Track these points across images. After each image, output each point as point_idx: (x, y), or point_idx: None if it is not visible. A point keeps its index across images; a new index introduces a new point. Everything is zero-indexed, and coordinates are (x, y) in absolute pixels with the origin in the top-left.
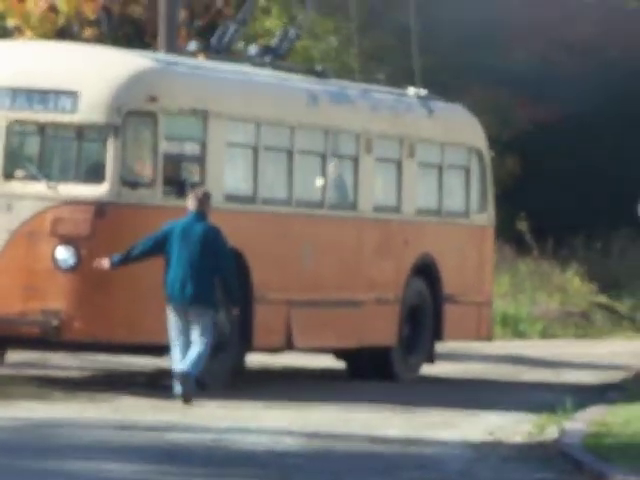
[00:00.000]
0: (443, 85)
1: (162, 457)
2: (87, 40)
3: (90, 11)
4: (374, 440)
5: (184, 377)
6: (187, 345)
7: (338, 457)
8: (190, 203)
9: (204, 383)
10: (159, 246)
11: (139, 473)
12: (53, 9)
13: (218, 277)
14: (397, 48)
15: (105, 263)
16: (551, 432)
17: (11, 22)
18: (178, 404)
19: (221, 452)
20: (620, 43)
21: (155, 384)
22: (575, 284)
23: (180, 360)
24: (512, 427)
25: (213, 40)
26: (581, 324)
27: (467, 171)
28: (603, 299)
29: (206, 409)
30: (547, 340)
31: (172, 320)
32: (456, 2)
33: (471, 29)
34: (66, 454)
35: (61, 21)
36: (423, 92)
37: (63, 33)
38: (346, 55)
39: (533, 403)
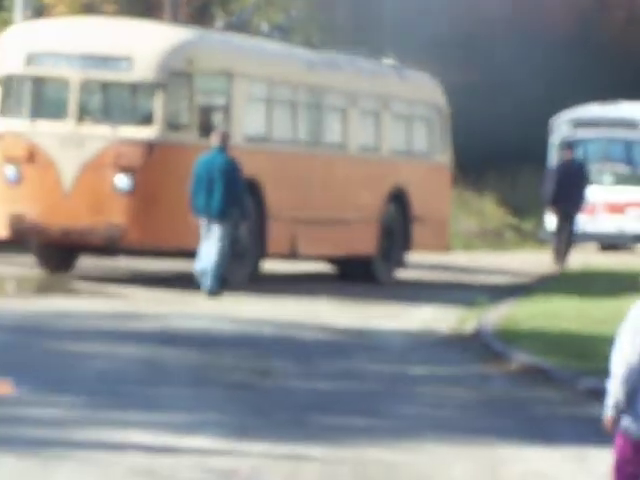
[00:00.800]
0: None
1: (164, 340)
2: (107, 14)
3: None
4: (328, 329)
5: (201, 273)
6: (210, 248)
7: (304, 343)
8: (214, 140)
9: (225, 280)
10: (198, 180)
11: (144, 354)
12: None
13: (232, 197)
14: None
15: (196, 221)
16: (471, 324)
17: None
18: (181, 298)
19: (211, 336)
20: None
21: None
22: (490, 208)
23: (205, 260)
24: (440, 320)
25: (234, 19)
26: (495, 240)
27: (430, 122)
28: (512, 220)
29: (203, 302)
30: (468, 252)
31: (204, 230)
32: None
33: None
34: (85, 338)
35: None
36: (396, 62)
37: (88, 7)
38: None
39: (457, 301)
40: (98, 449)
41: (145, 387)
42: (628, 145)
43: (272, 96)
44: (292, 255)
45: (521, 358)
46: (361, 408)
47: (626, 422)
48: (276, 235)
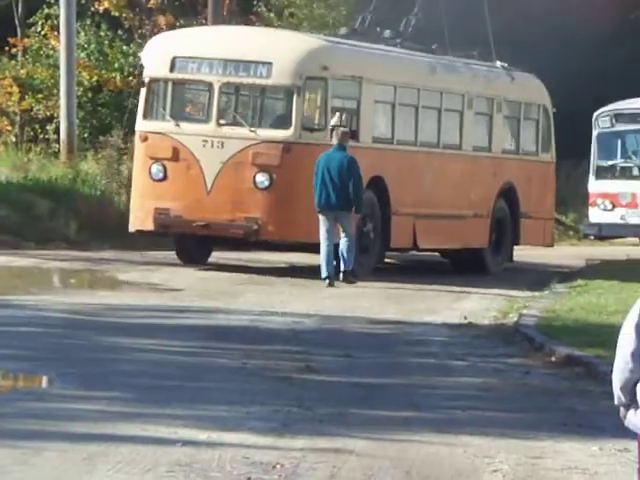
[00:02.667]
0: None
1: (208, 335)
2: (151, 9)
3: None
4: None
5: (345, 275)
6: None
7: (347, 335)
8: (334, 139)
9: (354, 270)
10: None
11: (188, 347)
12: None
13: (350, 190)
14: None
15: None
16: (512, 317)
17: None
18: (223, 293)
19: (255, 331)
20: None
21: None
22: None
23: (328, 260)
24: (481, 313)
25: (357, 26)
26: None
27: (537, 122)
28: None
29: (244, 297)
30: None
31: (322, 224)
32: None
33: None
34: (133, 332)
35: None
36: (505, 64)
37: (133, 3)
38: (353, 21)
39: (500, 294)
40: (142, 444)
41: (189, 382)
42: None
43: (397, 99)
44: (413, 248)
45: (561, 350)
46: (402, 401)
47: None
48: (398, 229)
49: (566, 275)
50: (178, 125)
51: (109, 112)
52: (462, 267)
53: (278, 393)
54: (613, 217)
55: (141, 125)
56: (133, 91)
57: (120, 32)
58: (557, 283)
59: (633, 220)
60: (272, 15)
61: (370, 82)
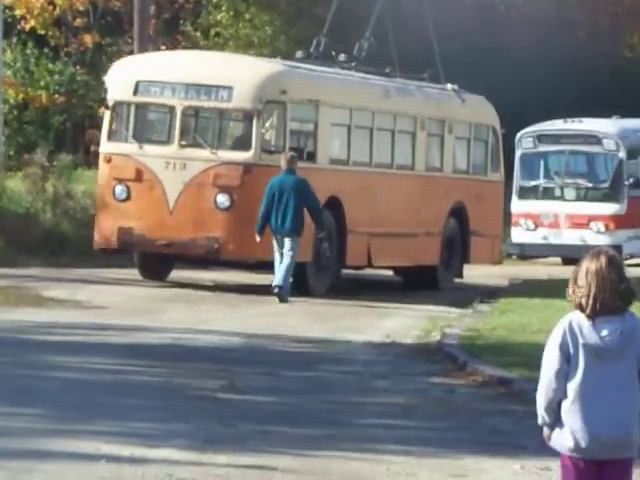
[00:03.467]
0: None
1: (131, 353)
2: (77, 27)
3: (80, 4)
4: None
5: (279, 288)
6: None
7: (271, 353)
8: (282, 163)
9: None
10: (270, 202)
11: (111, 365)
12: (51, 2)
13: (309, 212)
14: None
15: (258, 238)
16: (435, 335)
17: (18, 12)
18: (149, 310)
19: (179, 349)
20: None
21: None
22: None
23: (277, 272)
24: (405, 331)
25: (312, 50)
26: None
27: (486, 143)
28: None
29: (168, 314)
30: None
31: (276, 247)
32: None
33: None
34: (56, 350)
35: (57, 12)
36: (456, 87)
37: (59, 22)
38: (279, 42)
39: (423, 312)
40: (66, 460)
41: (112, 398)
42: (590, 159)
43: (352, 122)
44: (367, 266)
45: (484, 369)
46: (325, 419)
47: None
48: (354, 248)
49: (489, 294)
50: (141, 147)
51: (35, 130)
52: (414, 284)
53: (201, 410)
54: (535, 237)
55: (105, 147)
56: (59, 108)
57: (46, 50)
58: (480, 302)
59: (555, 240)
60: (198, 34)
61: (327, 105)
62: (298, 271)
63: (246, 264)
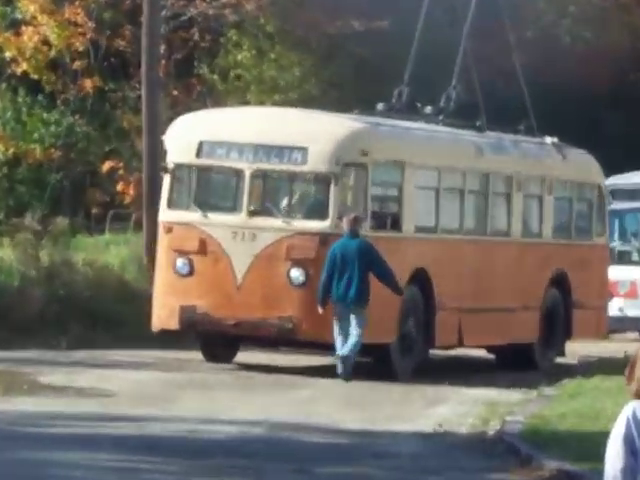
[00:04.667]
0: None
1: (141, 447)
2: (76, 71)
3: (79, 44)
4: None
5: (344, 359)
6: (347, 335)
7: (301, 445)
8: (345, 226)
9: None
10: (332, 268)
11: (119, 461)
12: (46, 42)
13: (378, 278)
14: (353, 77)
15: (320, 310)
16: (494, 424)
17: (8, 54)
18: (160, 398)
19: (195, 442)
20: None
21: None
22: None
23: (341, 347)
24: (458, 419)
25: (394, 101)
26: None
27: (590, 203)
28: None
29: (183, 402)
30: None
31: (337, 319)
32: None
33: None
34: (55, 445)
35: (53, 53)
36: (556, 140)
37: (55, 64)
38: (309, 84)
39: (479, 396)
40: None
41: None
42: None
43: (441, 184)
44: (458, 345)
45: (552, 465)
46: None
47: None
48: (443, 326)
49: (555, 374)
50: (205, 215)
51: (28, 189)
52: (509, 363)
53: None
54: (610, 308)
55: (165, 215)
56: (55, 165)
57: (40, 97)
58: (546, 385)
59: (633, 312)
60: (215, 77)
61: (413, 166)
62: (381, 353)
63: (323, 345)
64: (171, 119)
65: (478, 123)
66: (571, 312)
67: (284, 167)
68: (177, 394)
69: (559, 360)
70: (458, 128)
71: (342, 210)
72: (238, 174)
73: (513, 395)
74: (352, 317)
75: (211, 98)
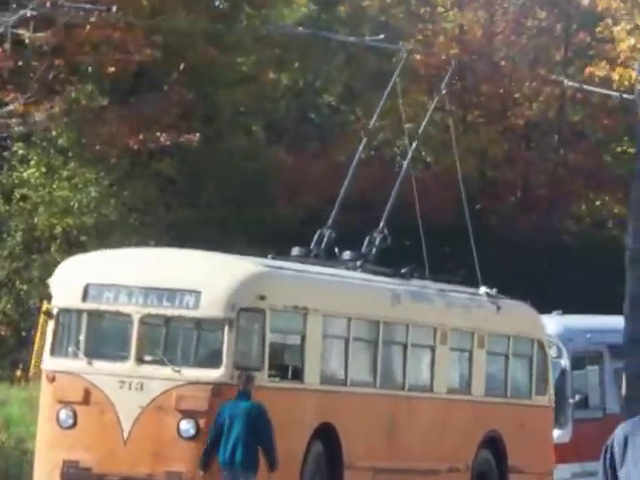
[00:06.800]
0: (207, 240)
1: None
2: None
3: None
4: None
5: None
6: None
7: None
8: (238, 384)
9: None
10: (220, 430)
11: None
12: None
13: (260, 447)
14: (160, 200)
15: (201, 473)
16: None
17: None
18: None
19: None
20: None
21: None
22: None
23: None
24: None
25: (312, 246)
26: None
27: (530, 359)
28: None
29: None
30: None
31: None
32: (223, 156)
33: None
34: None
35: None
36: (493, 291)
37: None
38: (106, 207)
39: None
40: None
41: None
42: None
43: (351, 333)
44: None
45: None
46: None
47: None
48: None
49: None
50: (91, 363)
51: None
52: None
53: None
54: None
55: (48, 363)
56: None
57: None
58: None
59: None
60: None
61: (317, 313)
62: None
63: None
64: None
65: (404, 270)
66: (506, 477)
67: (176, 312)
68: None
69: None
70: (379, 275)
71: (238, 360)
72: (126, 319)
73: None
74: None
75: None
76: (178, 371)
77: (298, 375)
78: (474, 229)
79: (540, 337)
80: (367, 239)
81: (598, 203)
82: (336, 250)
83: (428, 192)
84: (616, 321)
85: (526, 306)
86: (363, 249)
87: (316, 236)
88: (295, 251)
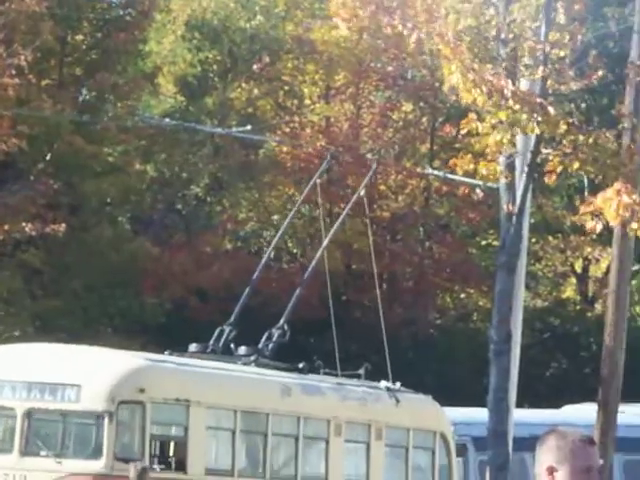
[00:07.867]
0: (71, 330)
1: None
2: None
3: None
4: None
5: None
6: None
7: None
8: (131, 474)
9: None
10: None
11: None
12: None
13: None
14: (25, 290)
15: None
16: None
17: None
18: None
19: None
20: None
21: None
22: None
23: None
24: None
25: (211, 342)
26: None
27: (432, 452)
28: None
29: None
30: None
31: None
32: (89, 246)
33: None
34: None
35: None
36: (395, 386)
37: None
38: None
39: None
40: None
41: None
42: None
43: (237, 425)
44: None
45: None
46: None
47: None
48: None
49: None
50: None
51: None
52: None
53: None
54: None
55: None
56: None
57: None
58: None
59: None
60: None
61: (200, 406)
62: None
63: None
64: None
65: (301, 365)
66: None
67: (57, 405)
68: None
69: None
70: (273, 369)
71: (118, 451)
72: (10, 413)
73: None
74: None
75: None
76: (59, 462)
77: (181, 467)
78: (341, 321)
79: (443, 430)
80: (265, 335)
81: (463, 296)
82: (232, 346)
83: (294, 284)
84: (480, 413)
85: (429, 399)
86: (260, 344)
87: (216, 332)
88: (192, 347)
